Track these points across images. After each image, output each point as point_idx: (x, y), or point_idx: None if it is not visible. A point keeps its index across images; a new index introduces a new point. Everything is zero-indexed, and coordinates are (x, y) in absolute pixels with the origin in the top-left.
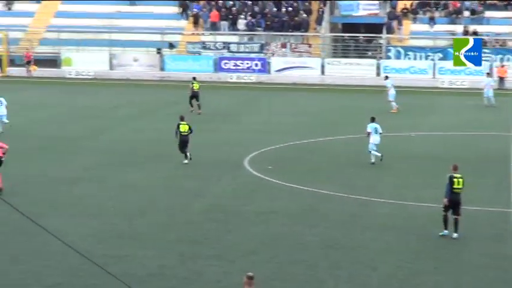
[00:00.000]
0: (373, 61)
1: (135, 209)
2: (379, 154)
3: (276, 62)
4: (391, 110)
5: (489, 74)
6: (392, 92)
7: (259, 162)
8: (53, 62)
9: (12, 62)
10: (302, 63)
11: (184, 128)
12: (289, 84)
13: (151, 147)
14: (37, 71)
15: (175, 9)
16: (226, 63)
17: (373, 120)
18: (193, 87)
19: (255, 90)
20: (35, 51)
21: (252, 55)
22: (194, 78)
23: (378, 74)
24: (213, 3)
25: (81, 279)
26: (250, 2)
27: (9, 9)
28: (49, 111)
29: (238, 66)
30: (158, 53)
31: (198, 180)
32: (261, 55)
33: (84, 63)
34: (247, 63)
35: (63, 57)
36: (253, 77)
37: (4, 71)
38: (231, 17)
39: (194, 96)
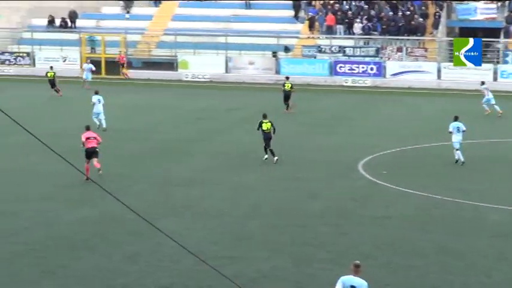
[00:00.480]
0: (491, 66)
1: (249, 210)
2: (462, 158)
3: (391, 66)
4: (498, 114)
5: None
6: (489, 96)
7: (373, 166)
8: (170, 64)
9: (130, 65)
10: (418, 68)
11: (267, 126)
12: (405, 88)
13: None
14: (153, 73)
15: (290, 12)
16: (341, 66)
17: (456, 119)
18: (285, 87)
19: (370, 94)
20: (152, 54)
21: (368, 59)
22: (287, 78)
23: (495, 79)
24: (329, 6)
25: (195, 280)
26: (366, 6)
27: (128, 12)
28: (165, 114)
29: (354, 70)
30: (274, 56)
31: (312, 183)
32: (377, 59)
33: (200, 66)
34: (363, 67)
35: (179, 60)
36: (368, 81)
37: (122, 73)
38: (346, 20)
39: (286, 96)
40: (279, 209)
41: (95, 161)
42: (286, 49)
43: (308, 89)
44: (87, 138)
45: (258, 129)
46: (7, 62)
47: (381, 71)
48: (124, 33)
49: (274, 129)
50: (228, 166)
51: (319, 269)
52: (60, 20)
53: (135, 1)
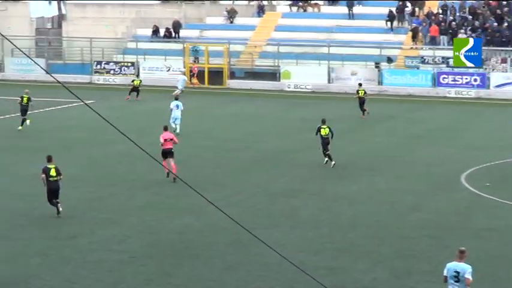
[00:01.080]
0: None
1: (349, 221)
2: None
3: (495, 77)
4: None
5: None
6: None
7: (477, 178)
8: (272, 75)
9: (233, 75)
10: None
11: (325, 131)
12: (509, 99)
13: (368, 160)
14: (255, 83)
15: (394, 23)
16: (444, 77)
17: None
18: (359, 94)
19: (473, 105)
20: (254, 64)
21: (471, 70)
22: (360, 85)
23: None
24: (433, 17)
25: None
26: (470, 17)
27: (232, 22)
28: (267, 123)
29: (457, 81)
30: (376, 67)
31: (414, 195)
32: (481, 70)
33: (303, 76)
34: (466, 78)
35: (282, 70)
36: (472, 92)
37: (225, 84)
38: (450, 31)
39: (362, 102)
40: (380, 220)
41: (171, 161)
42: (389, 60)
43: (410, 100)
44: (165, 140)
45: (317, 134)
46: (112, 72)
47: (484, 82)
48: (227, 43)
49: (332, 134)
50: (329, 176)
51: (421, 281)
52: (164, 30)
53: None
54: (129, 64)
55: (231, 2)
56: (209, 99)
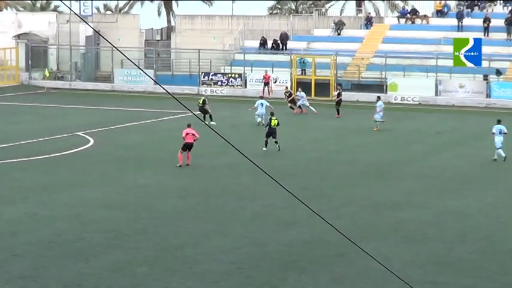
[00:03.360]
0: None
1: (456, 235)
2: (503, 154)
3: None
4: None
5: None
6: None
7: None
8: (379, 87)
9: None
10: None
11: (274, 122)
12: None
13: (476, 173)
14: (362, 95)
15: (503, 35)
16: None
17: (498, 122)
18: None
19: None
20: (362, 76)
21: None
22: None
23: None
24: None
25: None
26: None
27: (339, 34)
28: (373, 136)
29: None
30: (485, 79)
31: None
32: None
33: (410, 88)
34: None
35: (389, 83)
36: None
37: (331, 96)
38: None
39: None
40: (489, 235)
41: (188, 153)
42: (498, 72)
43: None
44: (187, 134)
45: (267, 126)
46: (219, 83)
47: None
48: (334, 55)
49: (278, 124)
50: (436, 189)
51: None
52: (271, 42)
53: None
54: (236, 75)
55: (338, 14)
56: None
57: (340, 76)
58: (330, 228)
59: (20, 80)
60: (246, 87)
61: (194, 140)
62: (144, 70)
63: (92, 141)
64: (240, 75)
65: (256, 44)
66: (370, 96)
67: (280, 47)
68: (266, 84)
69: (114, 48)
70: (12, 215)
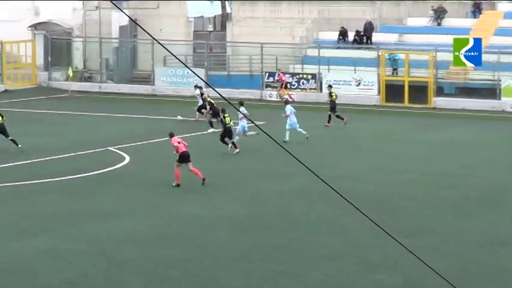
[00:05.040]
0: None
1: None
2: None
3: None
4: None
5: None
6: None
7: None
8: (490, 91)
9: (440, 91)
10: None
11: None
12: None
13: None
14: (469, 102)
15: None
16: None
17: None
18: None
19: None
20: (468, 78)
21: None
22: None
23: None
24: None
25: None
26: None
27: (439, 24)
28: (483, 154)
29: None
30: None
31: None
32: None
33: None
34: None
35: (503, 86)
36: None
37: (430, 102)
38: None
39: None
40: None
41: (190, 165)
42: None
43: None
44: (179, 143)
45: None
46: (288, 86)
47: None
48: (433, 51)
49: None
50: None
51: None
52: (353, 33)
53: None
54: (309, 76)
55: None
56: (409, 121)
57: (441, 77)
58: (429, 270)
59: (38, 81)
60: (321, 91)
61: (186, 147)
62: (193, 69)
63: (127, 159)
64: (313, 75)
65: (334, 36)
66: (479, 103)
67: (364, 40)
68: (282, 85)
69: (155, 42)
70: (32, 250)
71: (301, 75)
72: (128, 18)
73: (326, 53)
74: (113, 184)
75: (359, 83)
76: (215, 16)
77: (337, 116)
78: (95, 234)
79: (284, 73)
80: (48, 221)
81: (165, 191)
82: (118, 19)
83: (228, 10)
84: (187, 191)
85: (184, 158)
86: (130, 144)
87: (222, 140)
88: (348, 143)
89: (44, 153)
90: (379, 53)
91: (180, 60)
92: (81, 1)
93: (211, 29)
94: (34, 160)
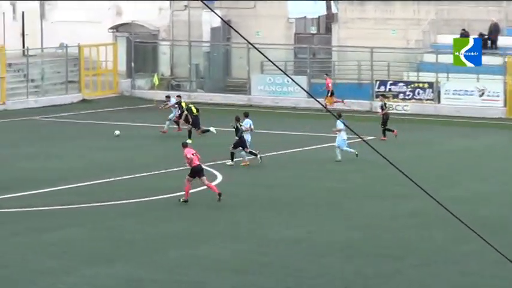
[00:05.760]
0: None
1: None
2: None
3: None
4: None
5: None
6: None
7: None
8: None
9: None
10: None
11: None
12: None
13: None
14: None
15: None
16: None
17: None
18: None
19: None
20: None
21: None
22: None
23: None
24: None
25: None
26: None
27: None
28: None
29: None
30: None
31: None
32: None
33: None
34: None
35: None
36: None
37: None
38: None
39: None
40: None
41: (204, 180)
42: None
43: None
44: (193, 155)
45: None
46: (401, 96)
47: None
48: None
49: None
50: None
51: None
52: (477, 36)
53: None
54: (426, 85)
55: None
56: None
57: None
58: None
59: (119, 89)
60: (439, 101)
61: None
62: (293, 77)
63: (220, 177)
64: (430, 84)
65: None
66: None
67: (489, 45)
68: (328, 93)
69: (250, 46)
70: (109, 279)
71: (416, 84)
72: (220, 19)
73: (445, 59)
74: (203, 205)
75: (482, 93)
76: (319, 17)
77: (387, 130)
78: (181, 261)
79: (329, 78)
80: (127, 247)
81: (260, 212)
82: (209, 20)
83: (334, 10)
84: (286, 213)
85: (196, 172)
86: (223, 161)
87: (233, 150)
88: (468, 161)
89: (125, 170)
90: (506, 59)
91: (278, 67)
92: (169, 0)
93: (315, 32)
94: (116, 178)
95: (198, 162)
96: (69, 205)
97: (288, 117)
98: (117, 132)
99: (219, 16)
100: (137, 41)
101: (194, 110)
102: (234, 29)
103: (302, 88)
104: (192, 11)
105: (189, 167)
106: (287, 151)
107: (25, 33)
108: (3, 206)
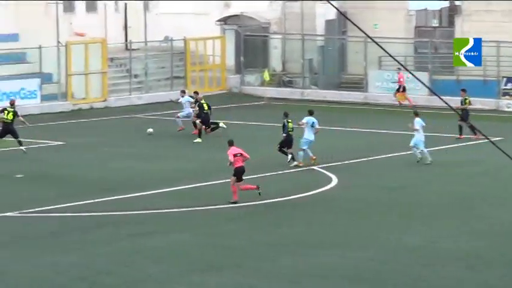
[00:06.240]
0: None
1: None
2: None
3: None
4: None
5: None
6: None
7: None
8: None
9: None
10: None
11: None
12: None
13: None
14: None
15: None
16: None
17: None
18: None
19: None
20: None
21: None
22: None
23: None
24: None
25: None
26: None
27: None
28: None
29: None
30: None
31: None
32: None
33: None
34: None
35: None
36: None
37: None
38: None
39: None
40: None
41: (241, 184)
42: None
43: None
44: (235, 156)
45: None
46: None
47: None
48: None
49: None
50: None
51: None
52: None
53: None
54: None
55: None
56: None
57: None
58: None
59: (228, 85)
60: None
61: (243, 161)
62: (414, 72)
63: (335, 180)
64: None
65: None
66: None
67: None
68: (399, 88)
69: (368, 39)
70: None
71: None
72: (335, 11)
73: None
74: (317, 210)
75: None
76: (441, 9)
77: (472, 128)
78: (290, 269)
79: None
80: (237, 254)
81: (378, 217)
82: (324, 12)
83: (458, 2)
84: (408, 219)
85: (238, 173)
86: (338, 163)
87: (281, 149)
88: None
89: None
90: None
91: (398, 62)
92: None
93: (437, 25)
94: (226, 180)
95: (241, 164)
96: (172, 209)
97: (407, 116)
98: (150, 130)
99: (335, 7)
100: (247, 34)
101: (206, 107)
102: (351, 21)
103: (424, 85)
104: (305, 2)
105: (230, 166)
106: (407, 152)
107: (128, 26)
108: (104, 209)
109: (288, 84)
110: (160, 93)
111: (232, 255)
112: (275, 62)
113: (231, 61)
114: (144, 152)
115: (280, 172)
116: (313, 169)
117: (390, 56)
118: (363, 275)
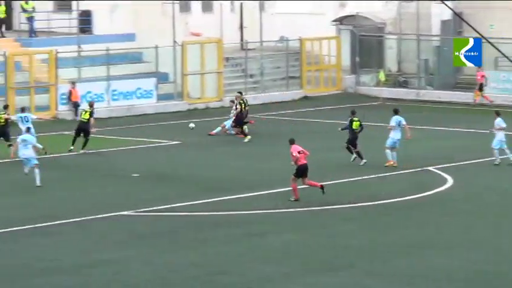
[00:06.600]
0: None
1: None
2: None
3: None
4: None
5: None
6: None
7: None
8: None
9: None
10: None
11: (356, 124)
12: None
13: None
14: None
15: None
16: None
17: None
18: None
19: None
20: None
21: None
22: None
23: None
24: None
25: None
26: None
27: None
28: None
29: None
30: None
31: None
32: None
33: None
34: None
35: None
36: None
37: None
38: None
39: None
40: None
41: (306, 180)
42: None
43: None
44: (299, 153)
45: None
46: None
47: None
48: None
49: (362, 128)
50: None
51: None
52: None
53: None
54: None
55: None
56: None
57: None
58: None
59: (343, 85)
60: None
61: (305, 158)
62: None
63: (450, 181)
64: None
65: None
66: None
67: None
68: (480, 86)
69: (484, 40)
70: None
71: None
72: (451, 11)
73: None
74: (432, 210)
75: None
76: None
77: None
78: (406, 270)
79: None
80: (349, 254)
81: (495, 219)
82: (439, 13)
83: None
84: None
85: (302, 171)
86: (454, 164)
87: (348, 148)
88: None
89: (352, 173)
90: None
91: None
92: None
93: None
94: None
95: (304, 161)
96: (285, 209)
97: None
98: (191, 125)
99: (450, 8)
100: (362, 35)
101: (242, 106)
102: (467, 22)
103: None
104: (421, 2)
105: (294, 164)
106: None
107: (243, 25)
108: (220, 208)
109: (403, 84)
110: (276, 93)
111: (346, 255)
112: (390, 62)
113: (346, 61)
114: (258, 151)
115: (396, 173)
116: (429, 170)
117: (505, 56)
118: (478, 277)
